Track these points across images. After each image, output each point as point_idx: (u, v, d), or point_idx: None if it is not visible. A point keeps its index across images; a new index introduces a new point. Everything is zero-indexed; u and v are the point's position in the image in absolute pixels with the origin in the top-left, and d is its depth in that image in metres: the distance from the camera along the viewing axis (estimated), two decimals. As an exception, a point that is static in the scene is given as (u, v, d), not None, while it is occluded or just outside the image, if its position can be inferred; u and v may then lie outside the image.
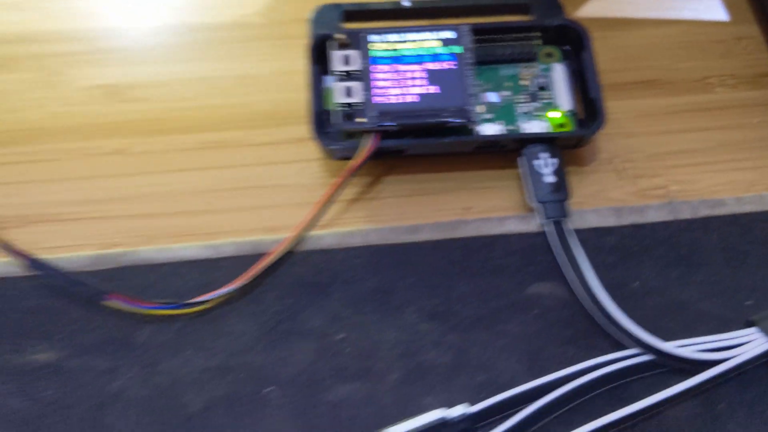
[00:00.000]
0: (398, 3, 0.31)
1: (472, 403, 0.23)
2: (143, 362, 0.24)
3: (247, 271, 0.25)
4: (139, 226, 0.27)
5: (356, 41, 0.27)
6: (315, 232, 0.26)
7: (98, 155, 0.28)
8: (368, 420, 0.23)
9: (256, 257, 0.26)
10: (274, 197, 0.28)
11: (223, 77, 0.30)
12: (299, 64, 0.30)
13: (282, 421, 0.23)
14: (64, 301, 0.25)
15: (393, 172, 0.28)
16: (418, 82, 0.26)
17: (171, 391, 0.24)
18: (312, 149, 0.28)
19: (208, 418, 0.23)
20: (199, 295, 0.25)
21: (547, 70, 0.28)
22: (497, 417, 0.23)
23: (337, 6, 0.30)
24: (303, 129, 0.29)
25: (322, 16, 0.30)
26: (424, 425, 0.22)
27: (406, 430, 0.22)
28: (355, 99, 0.26)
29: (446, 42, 0.27)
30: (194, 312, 0.25)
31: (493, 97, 0.28)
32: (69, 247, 0.26)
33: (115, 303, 0.24)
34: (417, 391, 0.24)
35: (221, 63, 0.30)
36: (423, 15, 0.31)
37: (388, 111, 0.26)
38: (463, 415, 0.22)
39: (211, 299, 0.25)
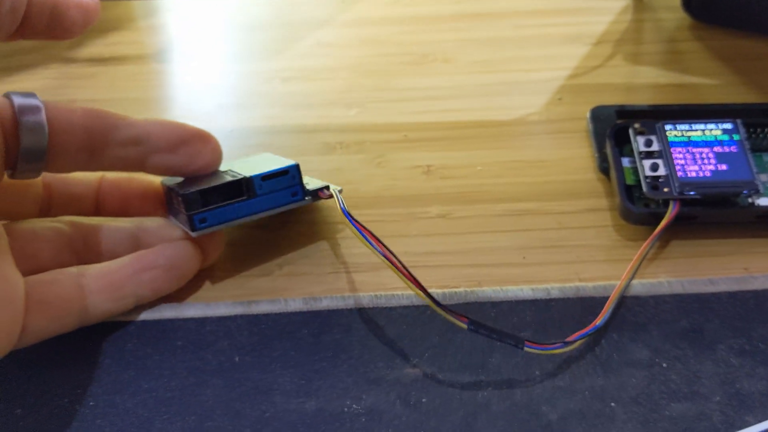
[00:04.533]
0: (657, 105, 0.37)
1: (798, 421, 0.27)
2: (499, 381, 0.29)
3: (601, 312, 0.30)
4: (471, 273, 0.32)
5: (652, 129, 0.33)
6: (626, 282, 0.31)
7: (425, 219, 0.34)
8: (705, 432, 0.27)
9: (578, 300, 0.31)
10: (580, 254, 0.33)
11: (518, 161, 0.37)
12: (578, 151, 0.37)
13: (630, 431, 0.27)
14: (422, 329, 0.30)
15: (678, 237, 0.33)
16: (708, 161, 0.32)
17: (529, 405, 0.28)
18: (603, 217, 0.34)
19: (564, 428, 0.28)
20: (536, 328, 0.30)
21: (805, 157, 0.34)
22: (821, 434, 0.27)
23: (609, 107, 0.37)
24: (593, 201, 0.35)
25: (598, 114, 0.37)
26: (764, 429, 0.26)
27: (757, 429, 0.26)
28: (660, 173, 0.32)
29: (726, 131, 0.33)
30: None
31: (763, 177, 0.33)
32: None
33: (533, 349, 0.28)
34: (740, 412, 0.28)
35: (515, 150, 0.37)
36: (677, 116, 0.37)
37: (688, 183, 0.31)
38: (797, 427, 0.26)
39: (583, 337, 0.29)
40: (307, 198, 0.32)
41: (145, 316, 0.30)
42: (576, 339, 0.29)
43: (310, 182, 0.33)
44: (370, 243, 0.29)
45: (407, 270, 0.29)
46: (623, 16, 0.44)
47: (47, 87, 0.39)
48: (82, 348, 0.29)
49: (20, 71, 0.41)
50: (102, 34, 0.43)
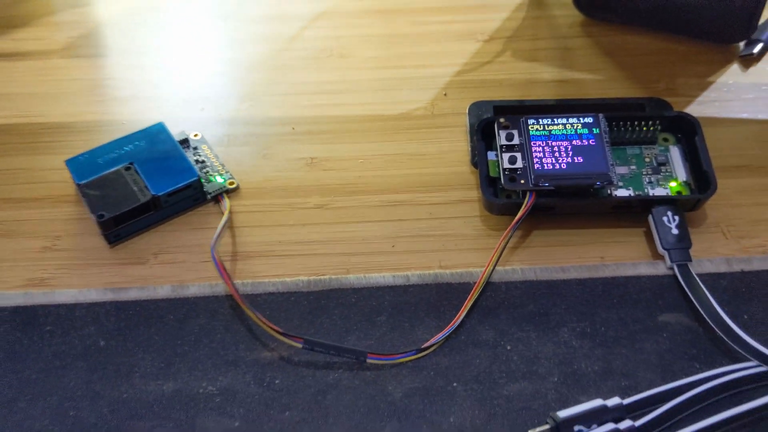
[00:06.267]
0: (535, 100, 0.39)
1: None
2: (351, 361, 0.31)
3: (459, 311, 0.32)
4: (341, 261, 0.34)
5: (516, 124, 0.35)
6: (481, 269, 0.33)
7: (304, 209, 0.36)
8: (537, 410, 0.29)
9: (435, 285, 0.33)
10: (445, 243, 0.35)
11: (399, 154, 0.38)
12: (456, 145, 0.38)
13: (467, 408, 0.29)
14: (286, 313, 0.32)
15: (539, 227, 0.35)
16: (566, 154, 0.34)
17: (376, 382, 0.30)
18: (472, 207, 0.36)
19: (408, 404, 0.29)
20: (391, 312, 0.32)
21: (665, 150, 0.36)
22: (641, 411, 0.29)
23: (487, 102, 0.39)
24: (463, 193, 0.36)
25: (476, 109, 0.38)
26: (588, 409, 0.28)
27: (575, 411, 0.28)
28: (518, 166, 0.33)
29: (586, 125, 0.35)
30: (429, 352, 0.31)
31: (622, 169, 0.35)
32: (287, 275, 0.33)
33: (375, 360, 0.30)
34: (574, 391, 0.30)
35: (397, 144, 0.38)
36: (553, 110, 0.38)
37: (543, 175, 0.33)
38: (618, 404, 0.28)
39: (439, 341, 0.31)
40: (208, 197, 0.36)
41: (18, 302, 0.32)
42: (432, 344, 0.31)
43: (178, 136, 0.37)
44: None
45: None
46: (518, 13, 0.45)
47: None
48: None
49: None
50: (8, 30, 0.44)
